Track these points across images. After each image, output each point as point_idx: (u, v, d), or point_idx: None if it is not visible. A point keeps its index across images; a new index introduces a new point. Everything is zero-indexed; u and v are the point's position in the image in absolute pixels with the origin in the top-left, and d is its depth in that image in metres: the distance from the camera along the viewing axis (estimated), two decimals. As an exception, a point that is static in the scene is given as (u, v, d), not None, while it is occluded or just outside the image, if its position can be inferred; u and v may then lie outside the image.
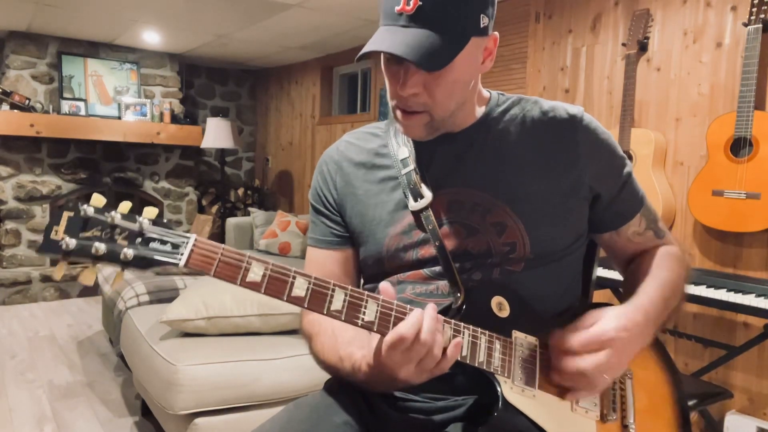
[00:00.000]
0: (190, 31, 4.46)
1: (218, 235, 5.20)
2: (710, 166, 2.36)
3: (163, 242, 0.76)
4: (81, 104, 4.83)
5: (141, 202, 5.31)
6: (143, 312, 2.67)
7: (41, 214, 4.83)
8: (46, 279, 4.68)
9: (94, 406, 2.75)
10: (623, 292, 1.06)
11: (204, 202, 5.70)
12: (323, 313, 0.81)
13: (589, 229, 1.06)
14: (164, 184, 5.41)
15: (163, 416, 2.23)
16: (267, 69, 5.97)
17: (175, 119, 5.21)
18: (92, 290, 4.73)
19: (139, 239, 0.75)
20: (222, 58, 5.45)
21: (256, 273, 0.78)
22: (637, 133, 2.63)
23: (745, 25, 2.24)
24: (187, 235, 0.77)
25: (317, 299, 0.80)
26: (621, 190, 1.02)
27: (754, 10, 2.22)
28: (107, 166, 5.13)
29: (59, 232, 0.74)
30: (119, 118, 4.94)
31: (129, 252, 0.74)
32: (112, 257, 0.74)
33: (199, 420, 2.03)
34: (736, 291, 2.09)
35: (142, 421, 2.60)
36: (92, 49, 4.96)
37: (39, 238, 4.82)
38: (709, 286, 2.15)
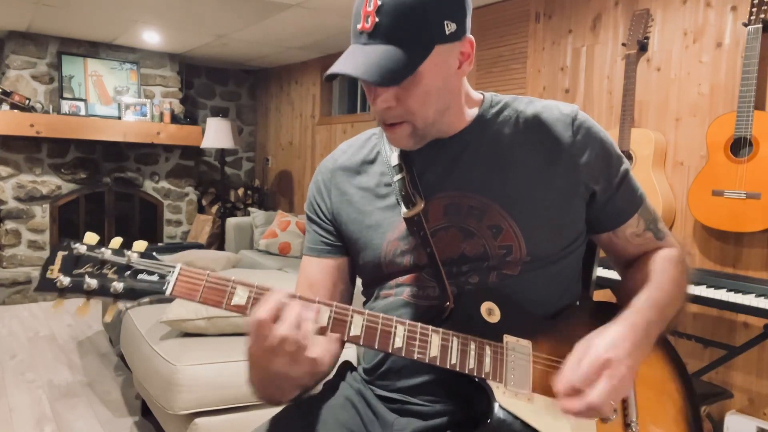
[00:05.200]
0: (190, 31, 4.46)
1: (218, 235, 5.21)
2: (710, 166, 2.36)
3: (150, 273, 0.81)
4: (81, 104, 4.83)
5: (141, 202, 5.31)
6: (143, 312, 2.67)
7: (41, 214, 4.83)
8: (46, 279, 4.67)
9: (94, 406, 2.75)
10: (618, 298, 1.04)
11: (204, 202, 5.70)
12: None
13: (587, 229, 1.05)
14: (164, 184, 5.41)
15: (163, 416, 2.23)
16: (267, 69, 5.97)
17: (175, 119, 5.21)
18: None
19: (127, 272, 0.81)
20: (222, 58, 5.45)
21: (240, 296, 0.82)
22: (637, 133, 2.63)
23: (745, 25, 2.24)
24: (173, 264, 0.81)
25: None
26: (617, 189, 1.01)
27: (754, 10, 2.22)
28: (107, 166, 5.13)
29: (54, 271, 0.79)
30: (119, 118, 4.94)
31: (118, 285, 0.80)
32: (103, 291, 0.80)
33: (199, 420, 2.03)
34: (736, 291, 2.09)
35: (142, 421, 2.60)
36: (92, 49, 4.96)
37: (39, 238, 4.82)
38: (709, 286, 2.15)
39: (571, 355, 0.89)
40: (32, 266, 4.77)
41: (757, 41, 2.20)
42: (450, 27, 0.88)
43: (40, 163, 4.81)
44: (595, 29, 2.97)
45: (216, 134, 4.91)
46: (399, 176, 1.02)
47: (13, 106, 4.48)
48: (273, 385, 0.86)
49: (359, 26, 0.87)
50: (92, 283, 0.79)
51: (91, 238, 0.82)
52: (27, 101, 4.53)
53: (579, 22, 3.05)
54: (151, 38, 4.73)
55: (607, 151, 1.01)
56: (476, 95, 1.04)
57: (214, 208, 5.52)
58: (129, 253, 0.82)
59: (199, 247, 4.91)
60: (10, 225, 4.72)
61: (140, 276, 0.81)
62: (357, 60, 0.86)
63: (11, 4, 3.81)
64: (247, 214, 5.49)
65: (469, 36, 0.93)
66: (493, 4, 3.45)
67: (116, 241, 0.83)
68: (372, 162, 1.08)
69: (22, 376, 3.08)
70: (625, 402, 0.94)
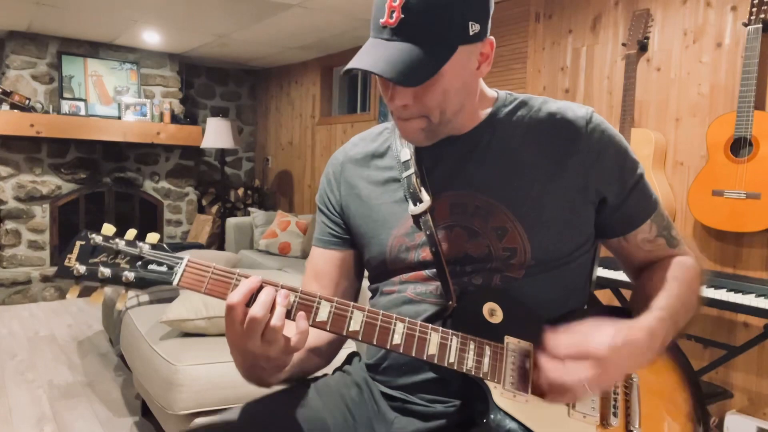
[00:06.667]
0: (190, 31, 4.46)
1: (218, 235, 5.21)
2: (710, 166, 2.36)
3: (160, 264, 0.86)
4: (81, 104, 4.83)
5: (141, 202, 5.32)
6: (143, 312, 2.67)
7: (41, 214, 4.83)
8: (46, 279, 4.68)
9: (94, 406, 2.75)
10: (631, 305, 1.02)
11: (204, 202, 5.70)
12: (309, 325, 0.84)
13: (596, 234, 1.03)
14: (164, 184, 5.41)
15: (163, 416, 2.23)
16: (267, 69, 5.98)
17: (175, 119, 5.21)
18: (92, 290, 4.73)
19: (139, 262, 0.86)
20: (222, 58, 5.45)
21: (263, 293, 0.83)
22: (637, 133, 2.63)
23: (745, 25, 2.24)
24: (181, 256, 0.86)
25: (302, 311, 0.84)
26: (629, 194, 0.99)
27: (754, 10, 2.22)
28: (107, 166, 5.13)
29: (72, 260, 0.84)
30: (119, 118, 4.94)
31: (130, 275, 0.85)
32: (115, 280, 0.85)
33: (199, 420, 2.03)
34: (736, 291, 2.09)
35: (142, 421, 2.60)
36: (92, 49, 4.96)
37: (39, 238, 4.82)
38: (709, 286, 2.15)
39: (578, 323, 0.88)
40: (32, 266, 4.77)
41: (757, 41, 2.20)
42: (474, 28, 0.87)
43: (40, 163, 4.81)
44: (595, 29, 2.98)
45: (216, 134, 4.91)
46: (408, 172, 1.01)
47: (13, 106, 4.49)
48: (255, 366, 0.87)
49: (382, 20, 0.85)
50: (106, 271, 0.84)
51: (107, 229, 0.87)
52: (27, 101, 4.53)
53: (579, 22, 3.05)
54: (151, 38, 4.73)
55: (621, 155, 0.99)
56: (490, 93, 1.03)
57: (214, 208, 5.52)
58: (141, 244, 0.86)
59: (199, 247, 4.91)
60: (10, 225, 4.72)
61: (150, 267, 0.85)
62: (379, 56, 0.85)
63: (11, 4, 3.81)
64: (247, 214, 5.49)
65: (490, 37, 0.92)
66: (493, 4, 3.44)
67: (131, 233, 0.88)
68: (382, 156, 1.07)
69: (22, 376, 3.08)
70: (628, 408, 0.93)
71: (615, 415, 0.91)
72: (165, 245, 0.87)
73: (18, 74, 4.67)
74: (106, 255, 0.85)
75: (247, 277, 0.84)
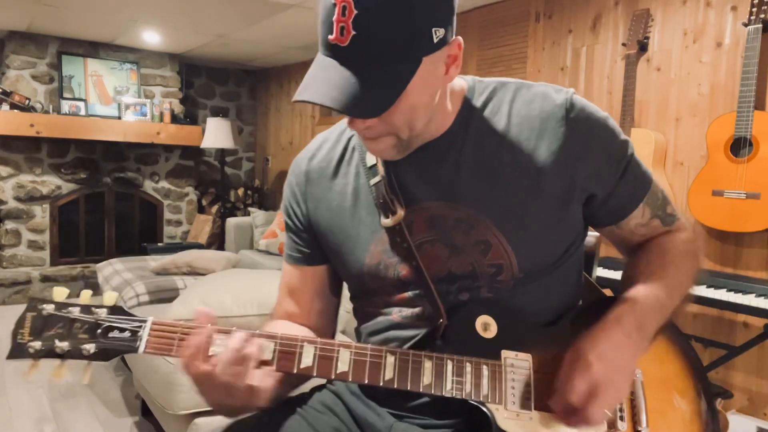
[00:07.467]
0: (190, 31, 4.46)
1: (218, 235, 5.21)
2: (710, 166, 2.36)
3: (122, 330, 0.77)
4: (81, 104, 4.83)
5: (141, 202, 5.31)
6: (143, 312, 2.67)
7: (41, 214, 4.83)
8: (46, 279, 4.69)
9: (94, 406, 2.75)
10: (621, 288, 0.98)
11: (204, 202, 5.70)
12: (293, 372, 0.80)
13: (586, 223, 0.96)
14: (164, 184, 5.41)
15: (163, 416, 2.23)
16: (267, 69, 5.97)
17: (175, 119, 5.21)
18: (92, 290, 4.73)
19: (98, 330, 0.77)
20: (222, 58, 5.45)
21: (218, 345, 0.78)
22: (637, 133, 2.63)
23: (745, 25, 2.24)
24: (143, 319, 0.77)
25: (285, 359, 0.80)
26: (619, 182, 0.91)
27: (754, 10, 2.22)
28: (107, 166, 5.13)
29: (25, 335, 0.75)
30: (119, 118, 4.94)
31: (89, 347, 0.76)
32: (75, 353, 0.76)
33: (199, 420, 2.03)
34: (736, 291, 2.09)
35: (142, 421, 2.60)
36: (92, 49, 4.96)
37: (39, 238, 4.82)
38: (709, 286, 2.15)
39: (561, 369, 0.83)
40: (32, 266, 4.77)
41: (757, 41, 2.20)
42: (438, 33, 0.76)
43: (40, 163, 4.81)
44: (595, 29, 2.98)
45: (216, 134, 4.91)
46: (375, 179, 0.92)
47: (13, 106, 4.48)
48: (225, 408, 0.82)
49: (331, 37, 0.73)
50: (63, 345, 0.76)
51: (59, 293, 0.79)
52: (27, 101, 4.53)
53: (579, 22, 3.05)
54: (151, 38, 4.73)
55: (609, 143, 0.90)
56: (459, 85, 0.92)
57: (214, 208, 5.52)
58: (97, 310, 0.78)
59: (199, 247, 4.91)
60: (10, 225, 4.72)
61: (112, 334, 0.77)
62: (331, 83, 0.74)
63: (11, 4, 3.80)
64: (247, 214, 5.49)
65: (457, 38, 0.81)
66: (493, 4, 3.44)
67: (85, 295, 0.80)
68: (349, 161, 0.97)
69: (22, 376, 3.08)
70: (634, 408, 0.90)
71: (622, 419, 0.88)
72: (123, 306, 0.79)
73: (18, 74, 4.67)
74: (61, 326, 0.76)
75: (227, 332, 0.78)
